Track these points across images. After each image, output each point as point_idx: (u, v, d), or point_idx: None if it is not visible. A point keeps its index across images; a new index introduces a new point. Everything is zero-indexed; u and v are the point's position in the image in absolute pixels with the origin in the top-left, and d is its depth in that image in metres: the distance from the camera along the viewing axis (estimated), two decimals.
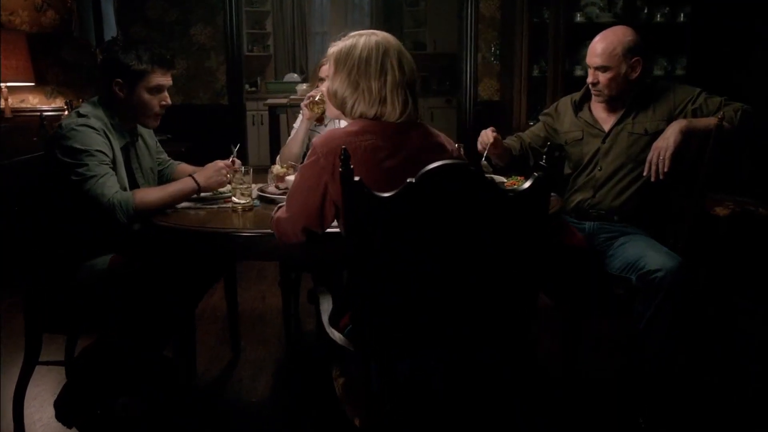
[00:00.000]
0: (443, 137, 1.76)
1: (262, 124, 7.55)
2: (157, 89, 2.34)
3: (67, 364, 2.47)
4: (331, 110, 1.82)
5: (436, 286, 1.45)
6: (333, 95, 1.75)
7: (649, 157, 2.41)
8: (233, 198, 2.24)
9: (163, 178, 2.67)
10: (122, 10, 4.44)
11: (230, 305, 3.01)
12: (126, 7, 4.45)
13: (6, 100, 4.19)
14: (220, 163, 2.37)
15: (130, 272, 2.24)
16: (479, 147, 2.61)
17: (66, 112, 4.35)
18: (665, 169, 2.37)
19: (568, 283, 2.49)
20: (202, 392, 2.73)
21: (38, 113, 4.47)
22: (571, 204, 2.68)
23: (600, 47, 2.49)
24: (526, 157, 2.78)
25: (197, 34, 4.55)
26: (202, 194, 2.34)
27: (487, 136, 2.60)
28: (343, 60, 1.71)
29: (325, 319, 1.73)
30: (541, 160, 2.74)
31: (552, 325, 2.90)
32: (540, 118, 2.84)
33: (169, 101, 2.41)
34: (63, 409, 2.29)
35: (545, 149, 2.70)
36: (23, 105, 4.53)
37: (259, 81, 8.22)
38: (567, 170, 2.74)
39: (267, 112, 4.81)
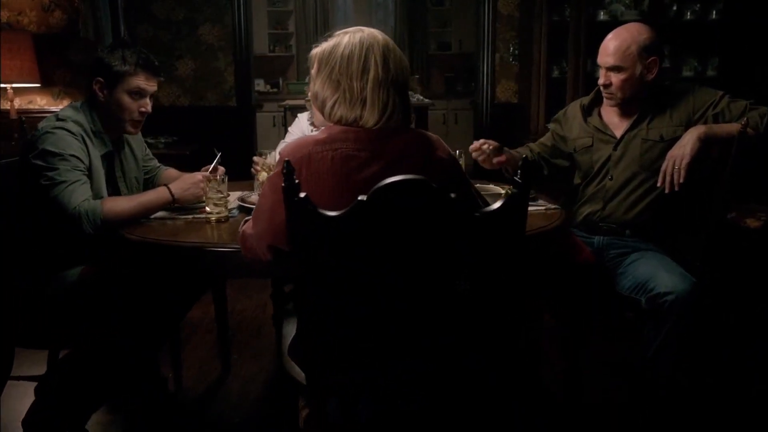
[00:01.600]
0: (437, 143, 1.58)
1: (283, 125, 7.44)
2: (138, 93, 2.23)
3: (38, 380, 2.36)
4: (317, 116, 1.68)
5: (393, 313, 1.27)
6: (314, 97, 1.61)
7: (663, 167, 2.20)
8: (206, 208, 2.10)
9: (150, 186, 2.56)
10: (129, 10, 4.35)
11: (219, 317, 2.88)
12: (133, 6, 4.36)
13: (11, 101, 4.14)
14: (198, 174, 2.25)
15: (101, 285, 2.12)
16: (475, 156, 2.40)
17: None
18: (681, 180, 2.15)
19: (573, 303, 2.29)
20: (185, 407, 2.61)
21: (46, 114, 4.42)
22: (579, 216, 2.47)
23: (613, 45, 2.28)
24: (539, 167, 2.59)
25: (205, 33, 4.44)
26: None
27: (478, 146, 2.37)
28: (325, 59, 1.57)
29: (285, 345, 1.57)
30: (548, 169, 2.59)
31: (557, 346, 2.70)
32: (548, 125, 2.64)
33: (149, 108, 2.30)
34: (31, 429, 2.18)
35: (555, 159, 2.58)
36: (31, 106, 4.48)
37: (281, 81, 8.12)
38: (576, 180, 2.54)
39: (288, 113, 4.69)
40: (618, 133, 2.39)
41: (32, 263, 2.14)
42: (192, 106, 4.54)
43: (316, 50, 1.62)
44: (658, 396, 2.12)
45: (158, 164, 2.64)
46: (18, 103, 4.42)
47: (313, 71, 1.62)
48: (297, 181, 1.50)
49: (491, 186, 2.33)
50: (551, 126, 2.62)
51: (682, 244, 2.35)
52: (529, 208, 2.22)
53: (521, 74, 4.44)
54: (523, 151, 2.61)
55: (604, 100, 2.39)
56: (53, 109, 4.34)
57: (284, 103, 5.78)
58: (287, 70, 8.39)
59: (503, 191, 2.18)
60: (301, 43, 8.23)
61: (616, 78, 2.29)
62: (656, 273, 2.11)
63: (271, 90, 7.88)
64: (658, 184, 2.22)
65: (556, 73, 4.17)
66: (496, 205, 1.22)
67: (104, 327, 2.08)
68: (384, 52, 1.54)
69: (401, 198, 1.18)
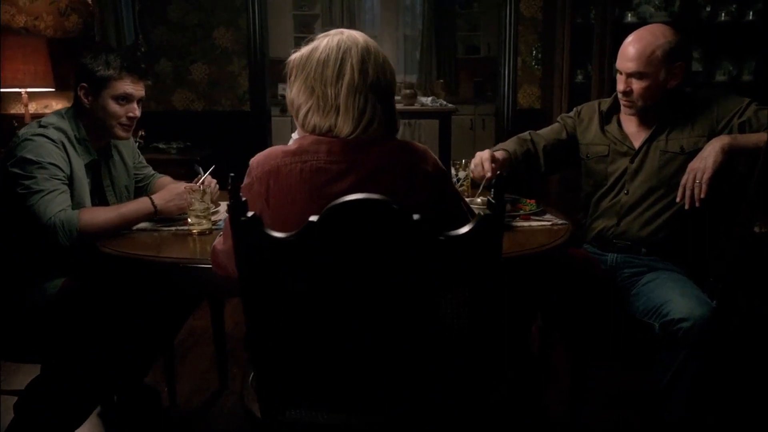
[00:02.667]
0: (423, 155, 1.45)
1: None
2: (124, 98, 2.14)
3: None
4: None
5: (352, 347, 1.14)
6: (290, 105, 1.50)
7: (683, 181, 2.02)
8: (188, 219, 2.00)
9: (143, 195, 2.47)
10: (143, 14, 4.30)
11: (216, 331, 2.78)
12: (147, 10, 4.31)
13: (26, 105, 4.12)
14: (182, 185, 2.14)
15: (83, 299, 2.04)
16: (475, 172, 2.22)
17: None
18: (702, 195, 1.97)
19: (583, 323, 2.12)
20: (178, 423, 2.52)
21: None
22: (592, 232, 2.30)
23: (634, 50, 2.10)
24: (528, 164, 2.36)
25: (219, 37, 4.37)
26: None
27: (482, 161, 2.19)
28: (302, 65, 1.46)
29: (249, 378, 1.44)
30: (548, 166, 2.37)
31: (562, 373, 2.52)
32: (559, 119, 2.44)
33: (137, 114, 2.21)
34: None
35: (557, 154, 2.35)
36: (47, 110, 4.46)
37: None
38: (586, 188, 2.36)
39: None
40: (637, 144, 2.21)
41: (10, 274, 2.06)
42: (206, 111, 4.46)
43: (294, 56, 1.50)
44: None
45: (152, 172, 2.56)
46: (34, 107, 4.41)
47: (290, 78, 1.51)
48: (265, 195, 1.41)
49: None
50: (564, 120, 2.41)
51: (703, 265, 2.16)
52: (534, 224, 2.08)
53: (544, 79, 4.26)
54: (517, 148, 2.33)
55: (623, 108, 2.21)
56: None
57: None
58: None
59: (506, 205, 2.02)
60: None
61: (637, 85, 2.12)
62: (671, 296, 1.93)
63: None
64: (677, 200, 2.04)
65: (579, 78, 3.98)
66: (465, 228, 1.07)
67: (85, 343, 1.99)
68: (362, 56, 1.42)
69: (356, 220, 1.05)
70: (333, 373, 1.16)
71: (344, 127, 1.40)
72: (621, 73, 2.15)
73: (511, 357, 2.09)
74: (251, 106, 4.41)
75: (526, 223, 2.07)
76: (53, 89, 4.23)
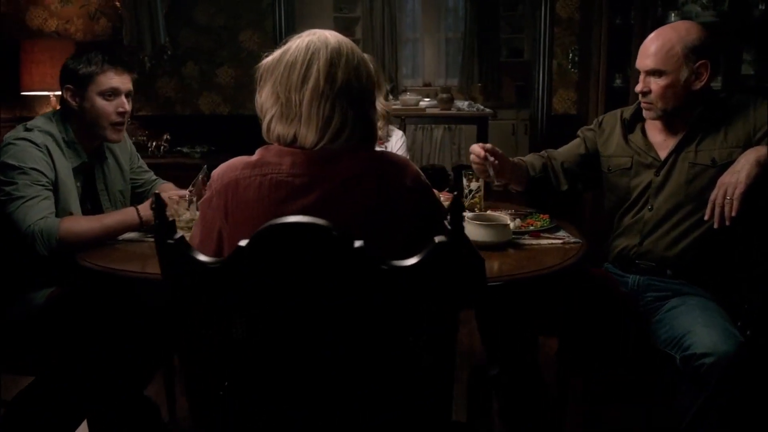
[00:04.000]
0: (402, 168, 1.30)
1: None
2: (112, 92, 2.07)
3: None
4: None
5: (288, 386, 1.00)
6: (258, 111, 1.38)
7: (712, 196, 1.81)
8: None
9: (142, 200, 2.39)
10: (171, 17, 4.26)
11: None
12: (175, 13, 4.27)
13: (54, 108, 4.13)
14: (172, 194, 2.05)
15: (71, 310, 1.96)
16: (474, 165, 2.11)
17: None
18: (733, 213, 1.76)
19: (597, 353, 1.94)
20: None
21: None
22: (614, 251, 2.11)
23: (654, 46, 1.92)
24: (549, 180, 2.22)
25: (246, 40, 4.30)
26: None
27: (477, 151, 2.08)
28: (270, 69, 1.34)
29: None
30: (570, 184, 2.21)
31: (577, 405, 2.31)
32: (579, 133, 2.26)
33: (127, 107, 2.12)
34: None
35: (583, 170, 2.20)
36: None
37: None
38: (608, 204, 2.17)
39: None
40: (662, 155, 2.01)
41: None
42: (231, 115, 4.40)
43: (266, 59, 1.38)
44: None
45: (154, 177, 2.47)
46: None
47: (259, 83, 1.39)
48: (224, 211, 1.29)
49: (494, 214, 2.00)
50: (584, 134, 2.24)
51: (736, 290, 1.94)
52: (544, 241, 1.90)
53: (581, 83, 4.03)
54: (534, 161, 2.23)
55: (643, 112, 2.02)
56: None
57: None
58: None
59: (508, 222, 1.85)
60: (368, 50, 8.03)
61: (655, 84, 1.92)
62: (693, 327, 1.73)
63: None
64: (706, 218, 1.83)
65: (617, 82, 3.75)
66: (414, 258, 0.92)
67: (72, 355, 1.92)
68: (331, 59, 1.28)
69: (289, 245, 0.91)
70: (269, 412, 1.02)
71: (308, 136, 1.27)
72: (641, 72, 1.96)
73: (521, 383, 1.92)
74: None
75: (535, 241, 1.89)
76: None
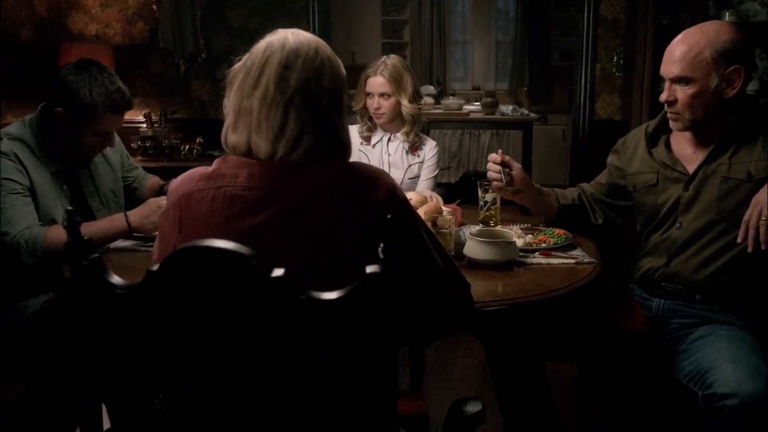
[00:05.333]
0: (373, 181, 1.18)
1: None
2: (105, 133, 2.00)
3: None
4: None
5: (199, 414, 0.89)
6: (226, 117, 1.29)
7: (746, 216, 1.62)
8: None
9: (135, 197, 2.33)
10: (205, 19, 4.25)
11: None
12: (209, 16, 4.25)
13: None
14: (162, 199, 1.96)
15: (66, 318, 1.91)
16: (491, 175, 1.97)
17: (144, 125, 4.25)
18: None
19: (615, 383, 1.77)
20: None
21: (127, 124, 4.42)
22: (638, 271, 1.93)
23: (679, 51, 1.73)
24: (584, 213, 2.06)
25: None
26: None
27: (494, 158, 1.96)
28: (234, 74, 1.24)
29: None
30: (605, 216, 2.05)
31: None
32: (608, 159, 2.09)
33: (114, 145, 2.08)
34: None
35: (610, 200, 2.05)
36: None
37: None
38: (639, 225, 1.99)
39: None
40: (691, 169, 1.82)
41: None
42: None
43: (235, 65, 1.29)
44: None
45: (144, 173, 2.41)
46: None
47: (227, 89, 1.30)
48: (179, 225, 1.19)
49: (502, 229, 1.84)
50: (609, 159, 2.08)
51: None
52: (554, 260, 1.74)
53: (625, 87, 3.81)
54: (566, 191, 2.10)
55: (670, 123, 1.83)
56: (138, 118, 4.33)
57: None
58: None
59: (514, 239, 1.70)
60: (416, 53, 7.92)
61: (682, 93, 1.74)
62: (719, 362, 1.55)
63: None
64: (738, 240, 1.64)
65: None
66: (338, 292, 0.80)
67: (67, 366, 1.87)
68: (286, 61, 1.17)
69: (202, 272, 0.80)
70: None
71: (261, 145, 1.17)
72: (666, 79, 1.78)
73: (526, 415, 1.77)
74: None
75: (545, 260, 1.73)
76: None
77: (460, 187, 6.00)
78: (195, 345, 0.84)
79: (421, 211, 1.71)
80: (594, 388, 1.87)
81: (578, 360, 1.94)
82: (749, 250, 1.61)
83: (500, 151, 1.98)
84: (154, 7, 4.28)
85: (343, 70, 1.24)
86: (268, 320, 0.82)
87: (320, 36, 3.87)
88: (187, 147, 4.17)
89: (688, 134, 1.84)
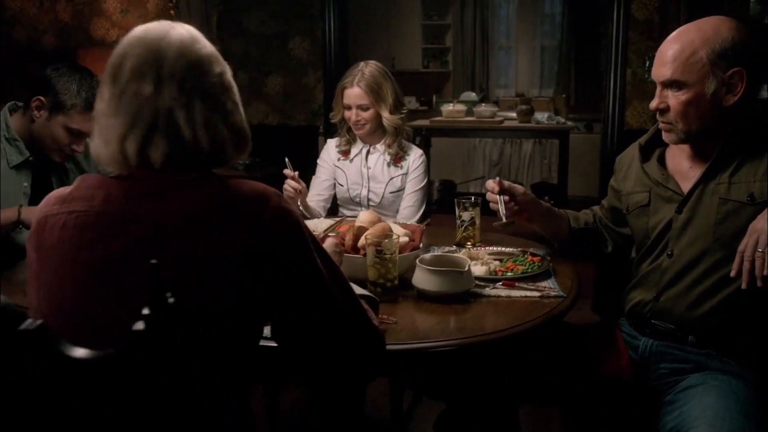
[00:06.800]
0: (257, 198, 1.01)
1: (429, 146, 6.93)
2: (78, 132, 1.93)
3: None
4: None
5: None
6: None
7: (741, 246, 1.36)
8: None
9: None
10: (221, 24, 4.17)
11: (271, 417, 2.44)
12: (226, 20, 4.18)
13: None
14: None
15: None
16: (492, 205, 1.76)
17: None
18: (765, 271, 1.30)
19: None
20: None
21: None
22: (627, 305, 1.68)
23: (672, 50, 1.49)
24: (597, 239, 1.84)
25: (295, 48, 4.12)
26: None
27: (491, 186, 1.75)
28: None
29: None
30: (614, 244, 1.81)
31: None
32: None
33: (81, 150, 2.00)
34: None
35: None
36: None
37: (434, 99, 7.65)
38: (633, 253, 1.75)
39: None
40: (685, 187, 1.57)
41: None
42: (280, 126, 4.24)
43: None
44: None
45: None
46: None
47: None
48: (36, 251, 1.05)
49: (456, 256, 1.61)
50: (611, 180, 1.84)
51: None
52: (516, 292, 1.51)
53: None
54: (579, 214, 1.87)
55: (663, 135, 1.58)
56: None
57: (413, 123, 5.30)
58: (443, 87, 7.89)
59: (466, 268, 1.47)
60: (458, 59, 7.70)
61: (675, 99, 1.49)
62: (697, 424, 1.30)
63: (421, 108, 7.42)
64: (732, 273, 1.38)
65: None
66: (89, 352, 0.62)
67: None
68: (121, 55, 1.01)
69: None
70: None
71: (108, 160, 1.01)
72: (657, 84, 1.54)
73: None
74: (325, 121, 4.10)
75: (504, 292, 1.51)
76: None
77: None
78: None
79: (368, 234, 1.51)
80: None
81: (555, 404, 1.71)
82: (743, 286, 1.34)
83: (497, 178, 1.76)
84: (172, 12, 4.23)
85: (206, 52, 1.03)
86: (21, 376, 0.66)
87: (338, 40, 3.69)
88: None
89: (686, 148, 1.59)
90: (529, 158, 7.11)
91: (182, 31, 1.03)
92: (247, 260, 0.97)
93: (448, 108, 5.47)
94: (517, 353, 1.44)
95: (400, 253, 1.55)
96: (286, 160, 2.22)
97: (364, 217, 1.65)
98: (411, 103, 7.46)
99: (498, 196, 1.74)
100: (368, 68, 2.34)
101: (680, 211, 1.55)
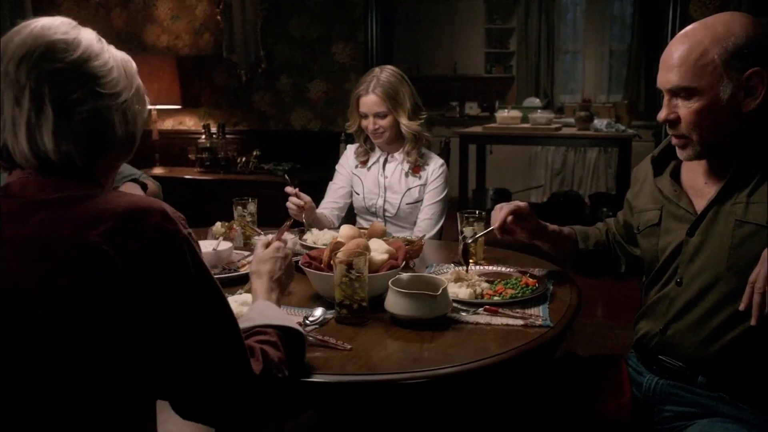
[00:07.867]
0: (136, 217, 0.90)
1: (491, 153, 6.74)
2: None
3: None
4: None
5: None
6: None
7: (752, 276, 1.19)
8: None
9: None
10: (266, 29, 4.15)
11: None
12: (270, 25, 4.15)
13: (154, 122, 4.20)
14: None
15: None
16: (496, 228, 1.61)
17: (203, 136, 4.21)
18: None
19: None
20: None
21: (182, 135, 4.45)
22: (636, 335, 1.50)
23: (678, 53, 1.32)
24: (612, 258, 1.69)
25: (338, 52, 4.05)
26: None
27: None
28: None
29: None
30: (628, 263, 1.65)
31: None
32: None
33: None
34: None
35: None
36: (181, 127, 4.55)
37: (497, 105, 7.45)
38: (643, 278, 1.57)
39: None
40: (699, 206, 1.38)
41: None
42: (322, 131, 4.18)
43: None
44: None
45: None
46: (170, 124, 4.53)
47: None
48: None
49: (434, 277, 1.46)
50: (627, 193, 1.67)
51: None
52: (499, 321, 1.36)
53: None
54: (590, 231, 1.71)
55: (677, 152, 1.40)
56: (199, 129, 4.34)
57: (461, 129, 5.15)
58: (507, 92, 7.67)
59: (439, 291, 1.34)
60: (522, 63, 7.46)
61: (685, 108, 1.32)
62: None
63: (482, 114, 7.23)
64: (741, 306, 1.20)
65: None
66: None
67: None
68: (23, 54, 0.92)
69: None
70: None
71: None
72: (663, 92, 1.36)
73: None
74: None
75: (484, 319, 1.37)
76: (179, 106, 4.28)
77: (545, 208, 5.49)
78: None
79: (340, 250, 1.41)
80: None
81: None
82: (752, 321, 1.17)
83: (504, 209, 1.62)
84: (219, 18, 4.26)
85: (60, 37, 0.94)
86: None
87: (381, 44, 3.57)
88: (243, 159, 4.09)
89: (704, 161, 1.41)
90: (593, 167, 6.80)
91: (52, 38, 0.95)
92: (121, 274, 0.86)
93: (502, 114, 5.29)
94: (487, 389, 1.30)
95: (376, 272, 1.44)
96: (286, 176, 2.17)
97: (344, 232, 1.55)
98: (472, 108, 7.30)
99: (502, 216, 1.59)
100: (384, 73, 2.24)
101: (692, 234, 1.36)
